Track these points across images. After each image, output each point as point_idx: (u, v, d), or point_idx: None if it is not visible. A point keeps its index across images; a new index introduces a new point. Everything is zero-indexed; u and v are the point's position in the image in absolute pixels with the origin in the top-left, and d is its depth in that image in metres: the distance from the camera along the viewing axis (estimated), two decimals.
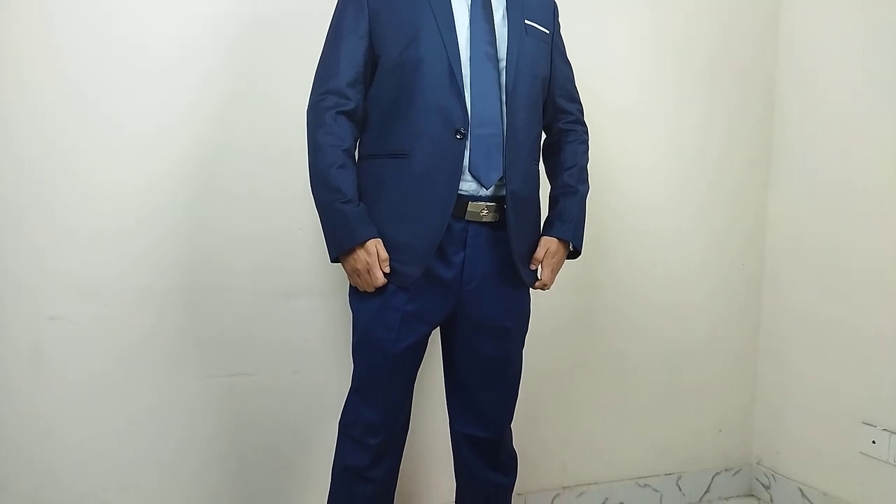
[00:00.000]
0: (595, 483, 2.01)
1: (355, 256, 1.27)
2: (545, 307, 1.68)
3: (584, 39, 1.70)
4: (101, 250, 1.51)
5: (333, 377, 1.65)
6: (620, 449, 2.04)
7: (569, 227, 1.41)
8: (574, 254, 1.46)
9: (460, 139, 1.27)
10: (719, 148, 2.09)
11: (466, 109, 1.28)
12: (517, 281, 1.38)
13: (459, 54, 1.28)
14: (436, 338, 1.45)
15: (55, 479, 1.51)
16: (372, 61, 1.33)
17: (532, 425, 1.87)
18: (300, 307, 1.66)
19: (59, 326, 1.49)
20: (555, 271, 1.42)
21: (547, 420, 1.94)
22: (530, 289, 1.44)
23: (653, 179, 2.03)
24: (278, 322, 1.65)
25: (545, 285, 1.42)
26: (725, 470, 2.16)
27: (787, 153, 2.11)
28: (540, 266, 1.41)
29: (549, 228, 1.42)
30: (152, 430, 1.58)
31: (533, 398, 1.80)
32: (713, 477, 2.15)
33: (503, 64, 1.32)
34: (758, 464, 2.19)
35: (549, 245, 1.40)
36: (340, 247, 1.28)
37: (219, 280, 1.60)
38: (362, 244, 1.26)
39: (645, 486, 2.06)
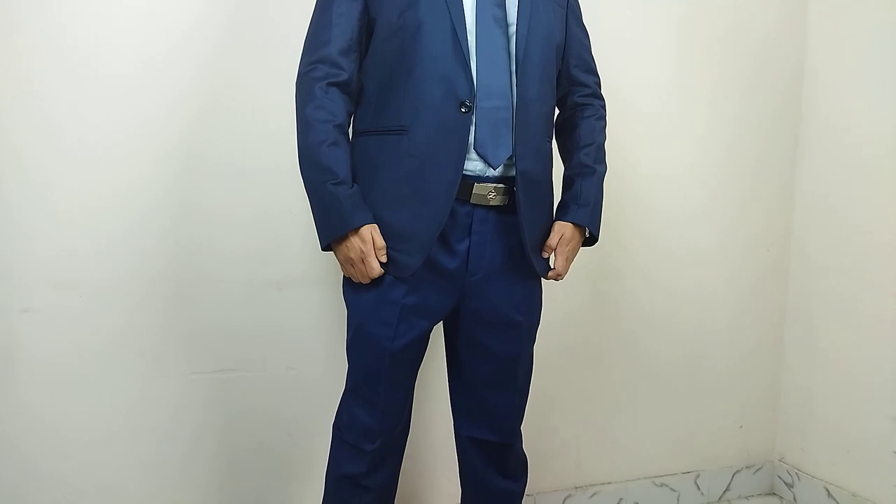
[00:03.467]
0: (609, 482, 1.93)
1: (348, 244, 1.15)
2: (555, 296, 1.59)
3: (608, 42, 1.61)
4: (76, 238, 1.42)
5: (329, 373, 1.56)
6: (636, 446, 1.96)
7: (585, 210, 1.29)
8: (590, 240, 1.34)
9: (465, 113, 1.15)
10: (743, 121, 1.98)
11: (472, 79, 1.15)
12: (528, 271, 1.27)
13: (464, 17, 1.16)
14: (438, 331, 1.34)
15: (28, 482, 1.43)
16: (367, 26, 1.20)
17: (542, 422, 1.78)
18: (293, 297, 1.58)
19: (31, 320, 1.40)
20: (569, 260, 1.30)
21: (558, 416, 1.85)
22: (542, 279, 1.32)
23: (670, 153, 1.92)
24: (269, 314, 1.56)
25: (559, 275, 1.30)
26: (746, 467, 2.08)
27: (817, 127, 2.00)
28: (553, 254, 1.29)
29: (564, 212, 1.29)
30: (134, 430, 1.50)
31: (543, 393, 1.70)
32: (733, 475, 2.07)
33: (513, 29, 1.19)
34: (780, 461, 2.10)
35: (563, 231, 1.27)
36: (332, 233, 1.16)
37: (204, 269, 1.51)
38: (356, 230, 1.15)
39: (662, 485, 1.98)
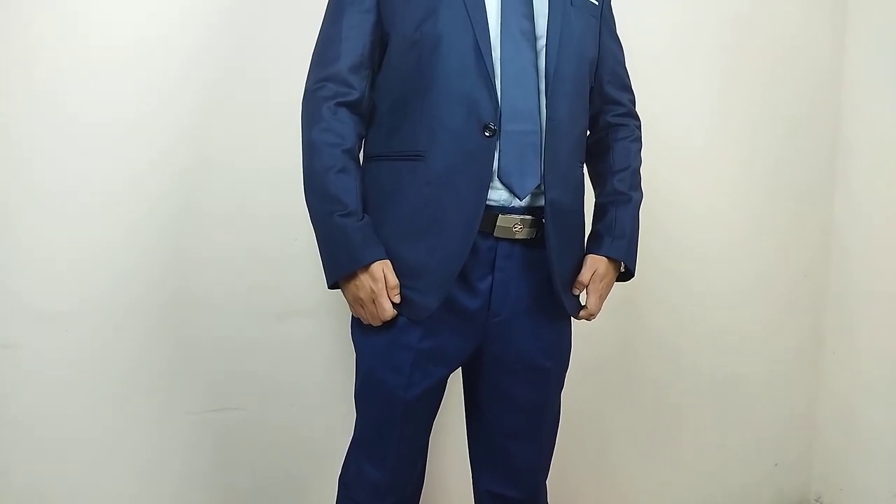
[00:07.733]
0: None
1: (358, 283, 1.04)
2: (575, 332, 1.48)
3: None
4: (64, 268, 1.33)
5: (337, 411, 1.44)
6: (662, 487, 1.85)
7: (621, 243, 1.16)
8: (626, 275, 1.22)
9: (489, 137, 1.03)
10: (779, 147, 1.89)
11: (497, 99, 1.04)
12: (557, 311, 1.14)
13: (488, 30, 1.04)
14: (455, 375, 1.21)
15: None
16: (380, 41, 1.09)
17: (562, 464, 1.61)
18: (297, 330, 1.48)
19: (12, 357, 1.30)
20: (603, 297, 1.17)
21: (579, 458, 1.74)
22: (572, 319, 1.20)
23: (701, 180, 1.81)
24: (271, 348, 1.47)
25: (591, 314, 1.17)
26: None
27: (854, 155, 1.91)
28: (584, 291, 1.17)
29: (597, 245, 1.17)
30: (126, 475, 1.40)
31: (563, 435, 1.56)
32: None
33: (542, 42, 1.07)
34: (817, 501, 2.00)
35: (596, 265, 1.15)
36: (339, 271, 1.05)
37: (201, 300, 1.42)
38: (366, 268, 1.03)
39: None
